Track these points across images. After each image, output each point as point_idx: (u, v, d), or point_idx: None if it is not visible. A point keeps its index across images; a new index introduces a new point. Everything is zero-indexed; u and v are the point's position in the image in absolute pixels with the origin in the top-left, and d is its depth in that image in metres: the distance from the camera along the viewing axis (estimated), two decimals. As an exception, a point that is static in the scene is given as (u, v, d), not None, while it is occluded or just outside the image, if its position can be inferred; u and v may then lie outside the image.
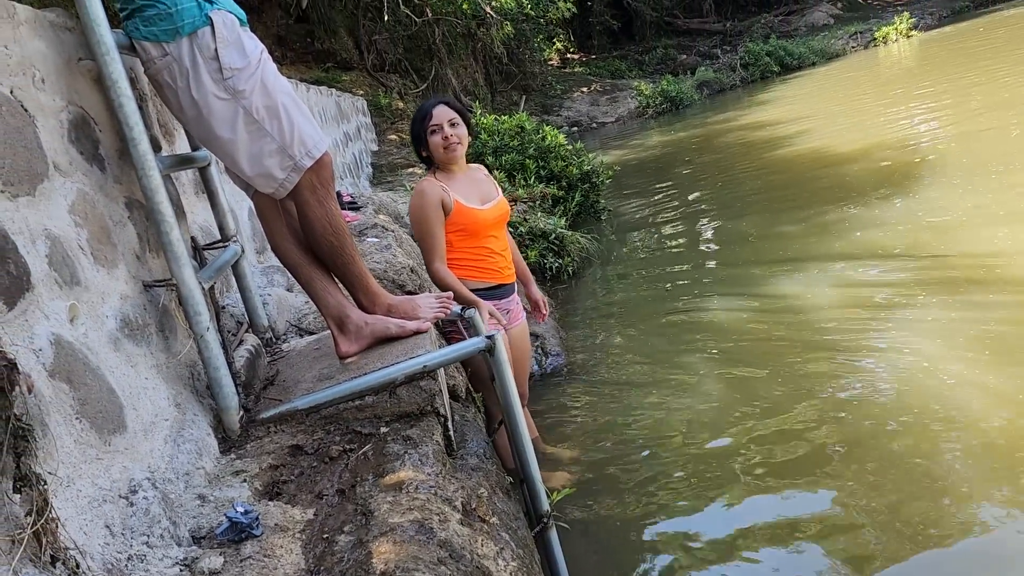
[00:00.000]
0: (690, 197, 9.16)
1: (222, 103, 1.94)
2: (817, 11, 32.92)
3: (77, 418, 1.38)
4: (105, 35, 1.79)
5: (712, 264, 6.38)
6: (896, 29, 27.03)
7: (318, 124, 2.18)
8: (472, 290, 2.92)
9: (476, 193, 3.00)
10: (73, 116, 1.81)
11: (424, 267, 3.29)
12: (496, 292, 3.02)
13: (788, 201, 7.73)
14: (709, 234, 7.33)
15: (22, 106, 1.59)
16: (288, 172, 1.99)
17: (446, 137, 2.92)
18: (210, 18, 1.95)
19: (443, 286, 2.88)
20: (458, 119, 2.96)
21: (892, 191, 6.94)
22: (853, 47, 27.69)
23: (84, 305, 1.59)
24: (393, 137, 13.18)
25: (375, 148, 12.12)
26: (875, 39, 27.40)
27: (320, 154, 2.03)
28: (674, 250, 7.13)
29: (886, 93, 14.24)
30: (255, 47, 2.04)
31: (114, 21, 1.93)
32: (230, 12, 2.04)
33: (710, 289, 5.72)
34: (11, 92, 1.56)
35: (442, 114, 2.93)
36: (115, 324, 1.68)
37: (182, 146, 2.59)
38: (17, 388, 1.15)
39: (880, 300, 4.63)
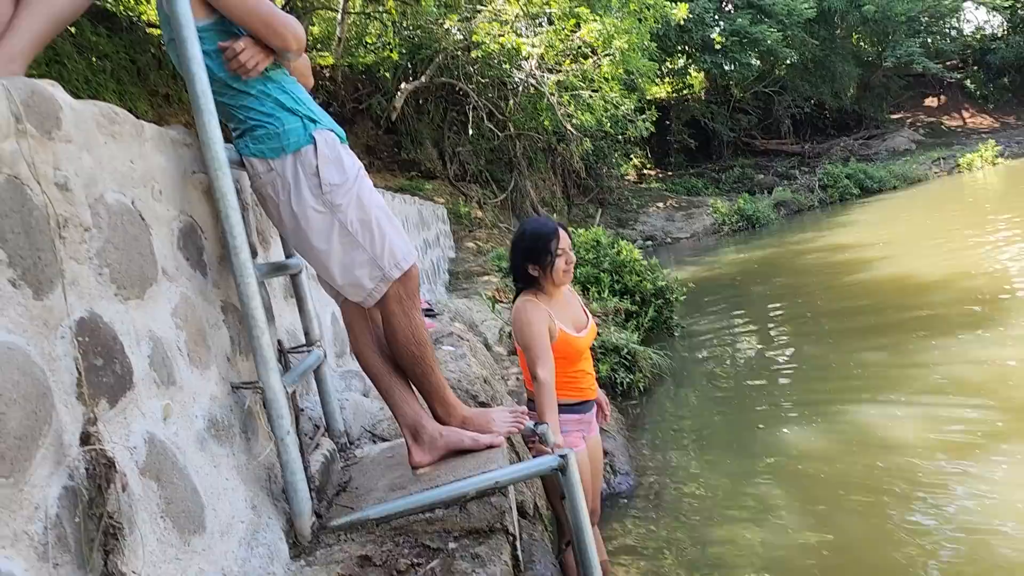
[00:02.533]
0: (766, 318, 9.03)
1: (319, 216, 2.05)
2: (899, 136, 32.89)
3: (162, 517, 1.42)
4: (220, 152, 1.93)
5: (788, 389, 6.21)
6: (981, 156, 26.72)
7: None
8: (562, 405, 2.90)
9: (571, 318, 3.00)
10: (183, 225, 1.93)
11: (498, 377, 3.30)
12: (581, 407, 3.02)
13: (869, 328, 7.53)
14: (786, 357, 7.17)
15: (140, 216, 1.72)
16: (377, 282, 2.07)
17: (570, 262, 2.91)
18: (313, 137, 2.09)
19: (539, 392, 2.83)
20: (571, 247, 2.98)
21: (979, 323, 6.71)
22: (936, 173, 27.42)
23: (177, 405, 1.65)
24: (470, 245, 13.51)
25: (452, 255, 12.43)
26: (959, 166, 27.11)
27: (408, 266, 2.10)
28: (749, 372, 6.98)
29: (972, 220, 13.95)
30: (353, 164, 2.16)
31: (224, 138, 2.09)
32: (332, 131, 2.18)
33: (786, 415, 5.54)
34: (132, 203, 1.69)
35: (566, 239, 2.93)
36: (203, 424, 1.74)
37: (276, 252, 2.73)
38: (113, 486, 1.20)
39: (962, 440, 4.40)
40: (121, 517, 1.24)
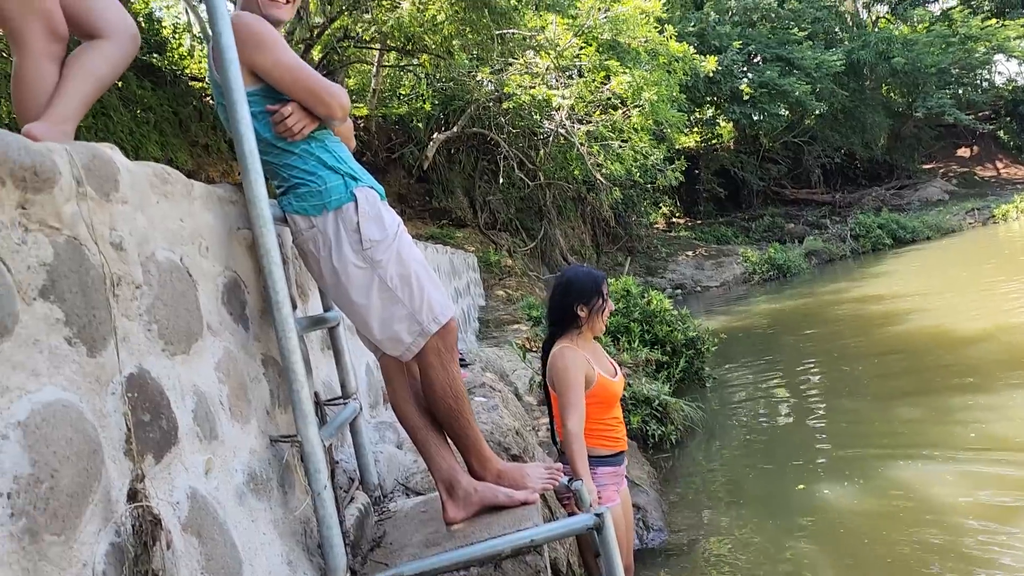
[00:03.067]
0: (799, 369, 8.90)
1: (360, 271, 2.09)
2: (931, 186, 32.65)
3: (202, 573, 1.43)
4: (264, 210, 1.98)
5: (823, 443, 6.09)
6: (1016, 207, 26.40)
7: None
8: (597, 456, 2.93)
9: (604, 365, 3.06)
10: (227, 280, 1.98)
11: (529, 428, 3.29)
12: (616, 459, 3.02)
13: (906, 381, 7.39)
14: (820, 410, 7.05)
15: (188, 272, 1.76)
16: (415, 336, 2.09)
17: (610, 309, 3.05)
18: (355, 194, 2.14)
19: (569, 443, 2.85)
20: None
21: (1019, 378, 6.55)
22: (970, 223, 27.12)
23: (218, 459, 1.67)
24: (500, 293, 13.56)
25: (482, 303, 12.48)
26: (994, 216, 26.79)
27: (446, 320, 2.13)
28: (783, 425, 6.87)
29: (1008, 272, 13.73)
30: (393, 220, 2.21)
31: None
32: (372, 188, 2.23)
33: (821, 471, 5.43)
34: (181, 260, 1.74)
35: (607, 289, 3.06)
36: (242, 478, 1.76)
37: (314, 305, 2.77)
38: (158, 544, 1.21)
39: (1008, 503, 4.27)
40: (165, 574, 1.25)
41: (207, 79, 2.56)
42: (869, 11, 36.37)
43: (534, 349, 7.90)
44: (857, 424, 6.37)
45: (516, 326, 9.87)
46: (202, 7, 15.16)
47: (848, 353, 9.35)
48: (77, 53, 2.03)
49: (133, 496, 1.27)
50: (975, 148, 35.84)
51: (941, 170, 35.32)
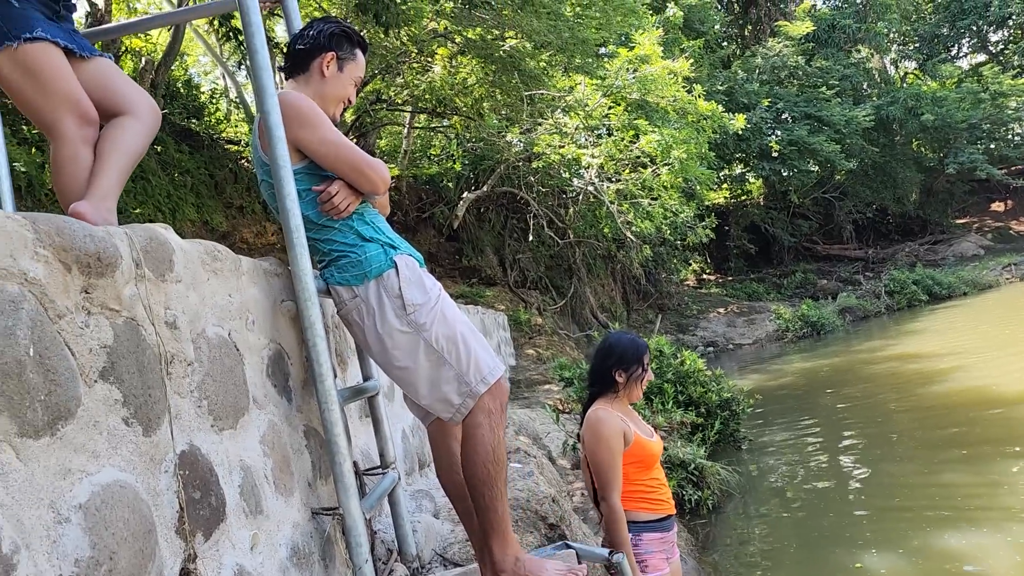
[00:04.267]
0: (837, 431, 8.72)
1: (405, 336, 2.10)
2: (965, 241, 32.24)
3: (247, 654, 1.43)
4: (309, 283, 2.02)
5: (864, 509, 5.93)
6: (1055, 261, 25.96)
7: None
8: (645, 522, 2.88)
9: (642, 427, 3.05)
10: (272, 352, 2.01)
11: (564, 494, 3.25)
12: (665, 524, 2.96)
13: (948, 443, 7.20)
14: (860, 474, 6.88)
15: (235, 347, 1.80)
16: (464, 398, 2.08)
17: (648, 378, 3.04)
18: (395, 261, 2.18)
19: (611, 520, 2.82)
20: None
21: (1071, 440, 6.37)
22: (1008, 279, 26.64)
23: (263, 533, 1.68)
24: (531, 352, 13.53)
25: (513, 363, 12.45)
26: (1032, 271, 26.33)
27: (495, 379, 2.10)
28: (822, 490, 6.70)
29: (1051, 329, 13.44)
30: (433, 284, 2.23)
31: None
32: (410, 255, 2.27)
33: (863, 538, 5.27)
34: (229, 335, 1.78)
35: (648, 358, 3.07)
36: (286, 552, 1.76)
37: (353, 373, 2.79)
38: (209, 626, 1.22)
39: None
40: (214, 657, 1.25)
41: (251, 156, 2.65)
42: (897, 67, 36.56)
43: (567, 411, 7.85)
44: (899, 488, 6.20)
45: (547, 386, 9.82)
46: (240, 74, 15.70)
47: (887, 414, 9.14)
48: (107, 132, 2.13)
49: (185, 575, 1.29)
50: (1009, 202, 35.43)
51: (975, 225, 34.90)
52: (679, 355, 8.80)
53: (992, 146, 30.56)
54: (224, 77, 16.69)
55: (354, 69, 2.35)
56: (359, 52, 2.37)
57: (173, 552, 1.32)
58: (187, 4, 10.53)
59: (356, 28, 2.49)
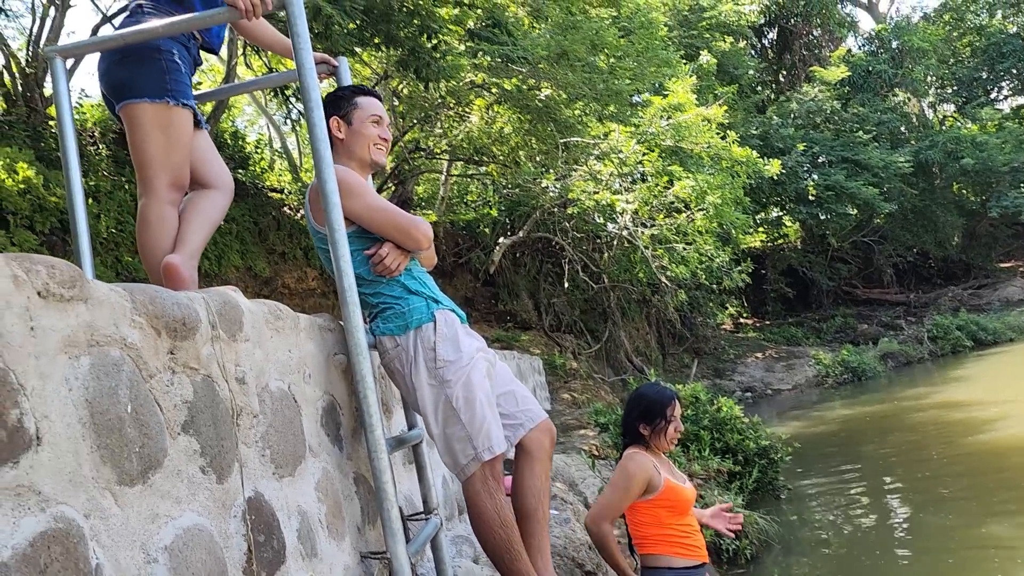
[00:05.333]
0: (880, 480, 8.59)
1: (431, 388, 2.25)
2: (1011, 286, 31.57)
3: None
4: (361, 338, 2.16)
5: (906, 561, 5.85)
6: (1104, 306, 25.32)
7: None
8: (679, 568, 2.95)
9: (675, 474, 3.12)
10: (326, 403, 2.15)
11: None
12: (698, 571, 3.02)
13: (993, 496, 7.06)
14: (903, 525, 6.78)
15: (294, 399, 1.94)
16: (469, 460, 2.21)
17: (679, 429, 3.09)
18: (435, 316, 2.32)
19: (600, 541, 2.94)
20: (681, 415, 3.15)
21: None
22: (1055, 324, 26.02)
23: (318, 576, 1.80)
24: (566, 396, 13.55)
25: (548, 407, 12.49)
26: (1080, 316, 25.70)
27: (499, 452, 2.23)
28: (864, 541, 6.61)
29: (1101, 376, 13.10)
30: (471, 346, 2.36)
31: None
32: (452, 311, 2.41)
33: (907, 590, 5.21)
34: (288, 387, 1.92)
35: (678, 407, 3.11)
36: (338, 595, 1.87)
37: (397, 421, 2.92)
38: (275, 660, 1.33)
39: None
40: None
41: (307, 225, 2.87)
42: (935, 111, 36.35)
43: (603, 456, 7.87)
44: (942, 543, 6.09)
45: (583, 431, 9.84)
46: (284, 126, 16.23)
47: (931, 464, 8.98)
48: (198, 202, 2.37)
49: (253, 614, 1.41)
50: (1055, 246, 34.74)
51: (1021, 269, 34.21)
52: (715, 401, 8.79)
53: (1035, 189, 30.06)
54: (268, 128, 17.26)
55: (363, 114, 2.48)
56: (359, 98, 2.51)
57: (242, 591, 1.44)
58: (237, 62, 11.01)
59: (352, 85, 2.66)
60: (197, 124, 2.49)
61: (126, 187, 8.96)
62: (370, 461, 2.13)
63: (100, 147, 9.93)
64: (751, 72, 30.54)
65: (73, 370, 1.12)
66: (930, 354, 24.18)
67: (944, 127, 33.02)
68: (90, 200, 8.53)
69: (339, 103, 2.48)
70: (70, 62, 7.60)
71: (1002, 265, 34.43)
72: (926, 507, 7.16)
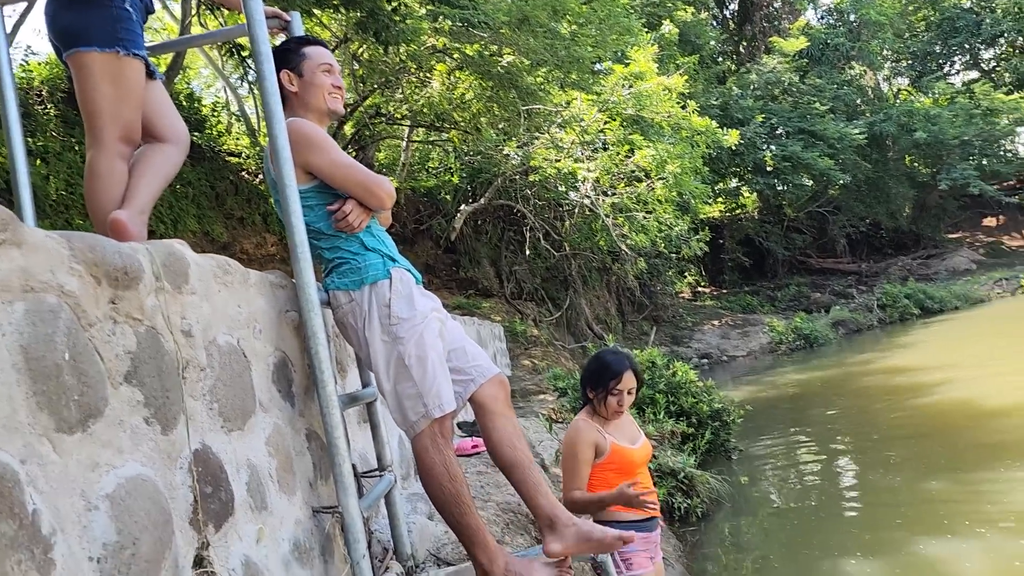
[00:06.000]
0: (828, 441, 8.84)
1: (383, 345, 2.24)
2: (958, 256, 32.47)
3: (254, 637, 1.55)
4: (313, 295, 2.15)
5: (852, 518, 6.05)
6: (1046, 276, 26.19)
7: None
8: (629, 522, 3.00)
9: (626, 434, 3.16)
10: (277, 359, 2.14)
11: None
12: (648, 525, 3.09)
13: (937, 456, 7.33)
14: (849, 483, 7.00)
15: (244, 354, 1.93)
16: (419, 417, 2.21)
17: (621, 403, 3.10)
18: (390, 273, 2.31)
19: (577, 508, 2.97)
20: (635, 387, 3.15)
21: (1053, 452, 6.50)
22: (999, 293, 26.85)
23: (268, 528, 1.80)
24: (526, 363, 13.64)
25: (508, 374, 12.57)
26: (1022, 286, 26.53)
27: (449, 411, 2.23)
28: (811, 499, 6.82)
29: (1040, 343, 13.59)
30: (425, 304, 2.36)
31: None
32: (408, 271, 2.41)
33: (849, 546, 5.39)
34: (238, 342, 1.91)
35: (628, 381, 3.10)
36: (288, 547, 1.88)
37: (352, 380, 2.92)
38: (221, 607, 1.34)
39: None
40: (225, 636, 1.37)
41: (264, 178, 2.82)
42: (890, 84, 36.89)
43: (560, 420, 7.96)
44: (888, 500, 6.31)
45: (542, 397, 9.93)
46: (241, 88, 15.86)
47: (877, 426, 9.27)
48: (149, 154, 2.30)
49: (199, 562, 1.41)
50: (1001, 218, 35.73)
51: (967, 240, 35.18)
52: (671, 366, 8.93)
53: (984, 162, 30.81)
54: (225, 90, 16.86)
55: (313, 64, 2.42)
56: (307, 48, 2.45)
57: (187, 541, 1.44)
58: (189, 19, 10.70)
59: (298, 36, 2.59)
60: (150, 75, 2.41)
61: (76, 148, 8.71)
62: (322, 417, 2.13)
63: (48, 107, 9.62)
64: (712, 43, 30.62)
65: (6, 315, 1.10)
66: (879, 321, 24.83)
67: (898, 100, 33.56)
68: (38, 162, 8.28)
69: (287, 56, 2.43)
70: (8, 9, 7.31)
71: (950, 236, 35.36)
72: (873, 467, 7.40)
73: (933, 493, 6.19)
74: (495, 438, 2.35)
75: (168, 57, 10.96)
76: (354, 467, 2.54)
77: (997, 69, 35.51)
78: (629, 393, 3.12)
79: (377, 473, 2.60)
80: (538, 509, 2.27)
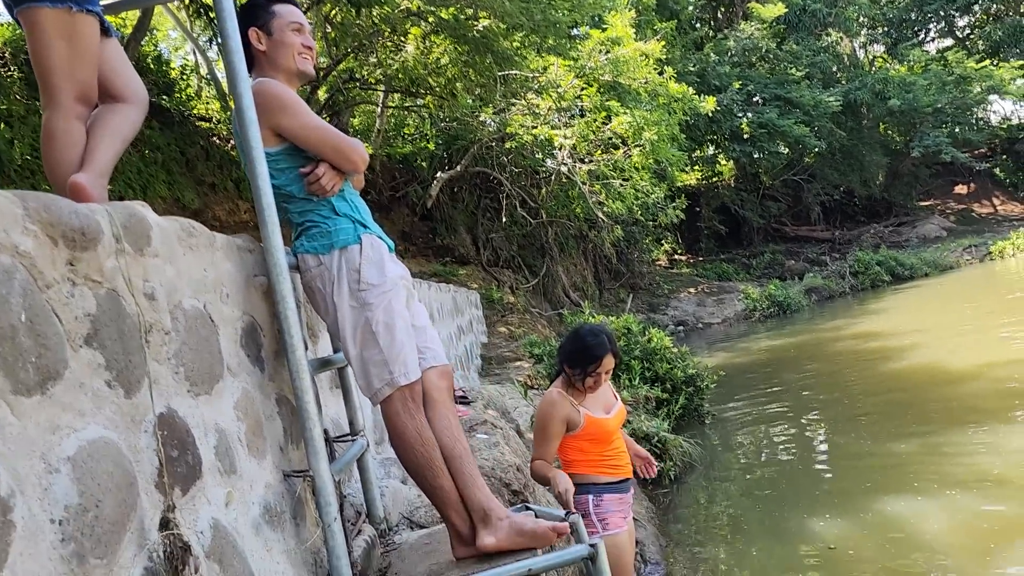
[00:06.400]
0: (799, 405, 8.99)
1: (352, 310, 2.22)
2: (929, 223, 32.88)
3: (223, 598, 1.55)
4: (280, 258, 2.12)
5: (823, 479, 6.18)
6: (1013, 243, 26.59)
7: (435, 320, 2.44)
8: (605, 484, 3.10)
9: (601, 403, 3.19)
10: (245, 324, 2.12)
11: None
12: (622, 486, 3.15)
13: (903, 418, 7.48)
14: (819, 447, 7.14)
15: (210, 318, 1.90)
16: (383, 385, 2.19)
17: (598, 383, 3.13)
18: (361, 239, 2.29)
19: (542, 478, 3.05)
20: (612, 367, 3.17)
21: (1016, 414, 6.65)
22: (968, 260, 27.28)
23: (237, 492, 1.80)
24: (503, 330, 13.67)
25: (485, 340, 12.59)
26: (991, 253, 26.97)
27: (414, 380, 2.22)
28: (781, 461, 6.95)
29: (1006, 308, 13.84)
30: (395, 272, 2.33)
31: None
32: (380, 238, 2.38)
33: (819, 507, 5.51)
34: (204, 306, 1.88)
35: (607, 364, 3.12)
36: (259, 510, 1.88)
37: (324, 345, 2.90)
38: (188, 569, 1.33)
39: (988, 536, 4.35)
40: (193, 598, 1.37)
41: (235, 142, 2.71)
42: (866, 51, 36.96)
43: (536, 387, 8.01)
44: (856, 461, 6.45)
45: (518, 363, 9.98)
46: (211, 51, 15.53)
47: (847, 390, 9.43)
48: (105, 115, 2.23)
49: (165, 525, 1.40)
50: (972, 185, 36.17)
51: (939, 207, 35.61)
52: (647, 333, 8.99)
53: (956, 130, 31.11)
54: (195, 53, 16.50)
55: (282, 22, 2.36)
56: (276, 6, 2.38)
57: (153, 503, 1.43)
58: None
59: None
60: (105, 32, 2.34)
61: (40, 111, 8.51)
62: (292, 381, 2.12)
63: (12, 69, 9.38)
64: (690, 8, 30.42)
65: (-42, 275, 1.07)
66: (851, 288, 25.16)
67: (874, 68, 33.65)
68: (2, 125, 8.09)
69: (256, 12, 2.36)
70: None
71: (922, 204, 35.76)
72: (843, 430, 7.54)
73: (902, 455, 6.33)
74: (436, 427, 2.30)
75: (135, 18, 10.69)
76: (325, 432, 2.54)
77: (971, 36, 35.68)
78: (607, 373, 3.15)
79: (349, 438, 2.60)
80: (472, 501, 2.23)
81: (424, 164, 18.67)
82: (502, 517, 2.23)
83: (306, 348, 2.51)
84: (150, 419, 1.50)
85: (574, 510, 2.78)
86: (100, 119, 2.26)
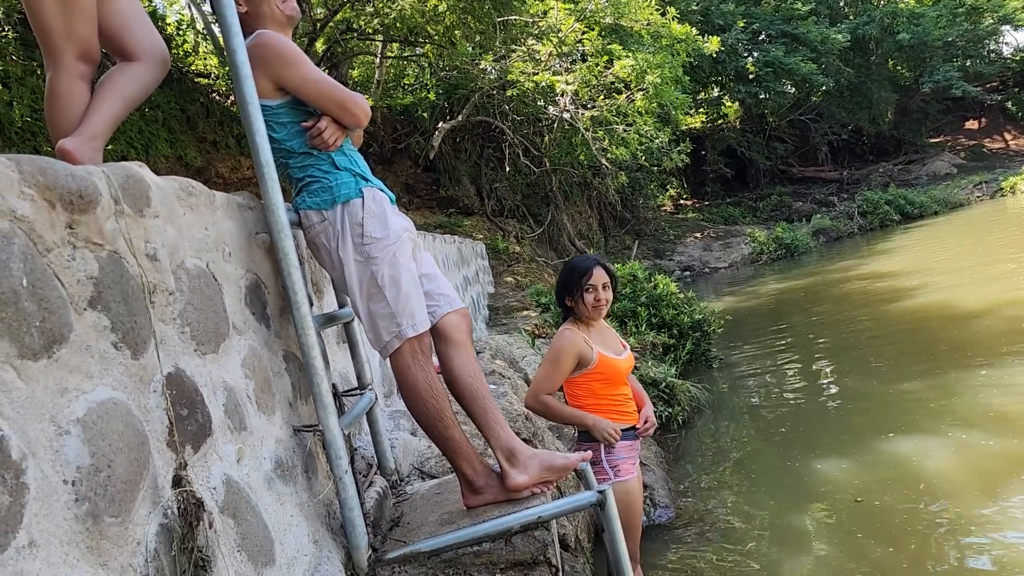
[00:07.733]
0: (807, 348, 9.01)
1: (357, 264, 2.22)
2: (939, 160, 32.49)
3: (239, 551, 1.58)
4: (281, 215, 2.12)
5: (829, 420, 6.22)
6: (1025, 179, 26.34)
7: (441, 271, 2.43)
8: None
9: (611, 346, 3.20)
10: (249, 282, 2.12)
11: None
12: (630, 434, 3.16)
13: (913, 358, 7.50)
14: (827, 388, 7.17)
15: (214, 277, 1.90)
16: (392, 337, 2.20)
17: (598, 299, 3.11)
18: (363, 192, 2.28)
19: (544, 410, 3.10)
20: (609, 283, 3.17)
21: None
22: (979, 197, 27.03)
23: (248, 448, 1.82)
24: (509, 280, 13.68)
25: (491, 291, 12.62)
26: (1002, 189, 26.69)
27: (423, 331, 2.23)
28: (789, 404, 6.99)
29: (1016, 245, 13.76)
30: (398, 225, 2.32)
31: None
32: (382, 191, 2.37)
33: (826, 447, 5.56)
34: (207, 265, 1.88)
35: (599, 276, 3.12)
36: (270, 465, 1.91)
37: (329, 301, 2.91)
38: (202, 524, 1.36)
39: (997, 476, 4.39)
40: (208, 551, 1.40)
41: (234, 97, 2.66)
42: (874, -16, 36.08)
43: (543, 335, 8.05)
44: (863, 400, 6.49)
45: (525, 313, 10.01)
46: (206, 6, 15.27)
47: (856, 331, 9.44)
48: (111, 75, 2.18)
49: (177, 482, 1.42)
50: (983, 120, 35.63)
51: (949, 144, 35.14)
52: (652, 279, 8.99)
53: (967, 63, 30.52)
54: (190, 7, 16.22)
55: None
56: None
57: (165, 462, 1.45)
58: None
59: None
60: None
61: (39, 72, 8.42)
62: (298, 338, 2.13)
63: (6, 29, 9.25)
64: (692, -56, 29.64)
65: (-43, 242, 1.07)
66: (860, 228, 25.01)
67: (882, 1, 32.86)
68: (0, 87, 8.02)
69: None
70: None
71: (931, 140, 35.27)
72: (851, 371, 7.57)
73: (910, 395, 6.36)
74: (456, 367, 2.31)
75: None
76: (334, 387, 2.56)
77: (983, -34, 34.72)
78: (604, 288, 3.12)
79: (357, 392, 2.62)
80: (497, 440, 2.25)
81: (425, 115, 18.47)
82: (530, 455, 2.26)
83: (311, 304, 2.52)
84: (158, 379, 1.51)
85: (590, 455, 2.80)
86: (106, 79, 2.20)
